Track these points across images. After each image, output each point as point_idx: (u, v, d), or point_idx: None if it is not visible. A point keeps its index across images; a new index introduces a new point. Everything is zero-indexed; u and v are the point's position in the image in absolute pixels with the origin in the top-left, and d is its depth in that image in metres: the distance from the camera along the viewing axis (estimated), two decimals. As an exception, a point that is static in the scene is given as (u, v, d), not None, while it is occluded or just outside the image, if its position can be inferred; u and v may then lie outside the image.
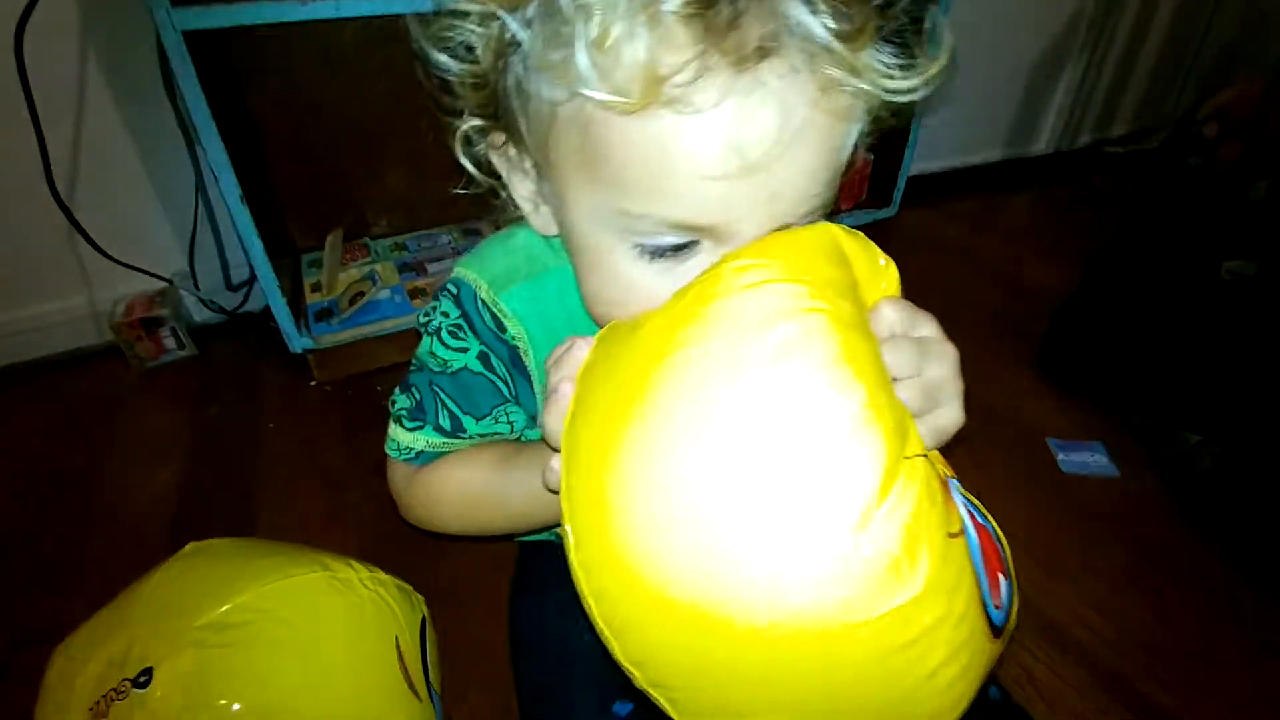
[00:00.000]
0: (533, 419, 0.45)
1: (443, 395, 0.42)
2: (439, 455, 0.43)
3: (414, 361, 0.44)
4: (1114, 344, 0.99)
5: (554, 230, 0.38)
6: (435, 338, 0.43)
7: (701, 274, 0.28)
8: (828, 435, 0.24)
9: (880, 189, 1.41)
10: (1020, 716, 0.52)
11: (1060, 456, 0.90)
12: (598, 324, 0.38)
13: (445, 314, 0.42)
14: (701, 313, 0.26)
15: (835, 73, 0.27)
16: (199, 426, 0.97)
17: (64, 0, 0.89)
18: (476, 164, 0.39)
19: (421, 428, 0.42)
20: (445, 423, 0.42)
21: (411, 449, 0.43)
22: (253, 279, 1.13)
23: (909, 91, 0.29)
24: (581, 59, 0.26)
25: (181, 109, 0.97)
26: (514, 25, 0.29)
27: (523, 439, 0.47)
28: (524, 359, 0.43)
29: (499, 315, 0.42)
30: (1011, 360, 1.09)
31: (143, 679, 0.40)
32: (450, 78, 0.35)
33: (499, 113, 0.35)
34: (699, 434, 0.24)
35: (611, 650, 0.28)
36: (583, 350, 0.31)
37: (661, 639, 0.26)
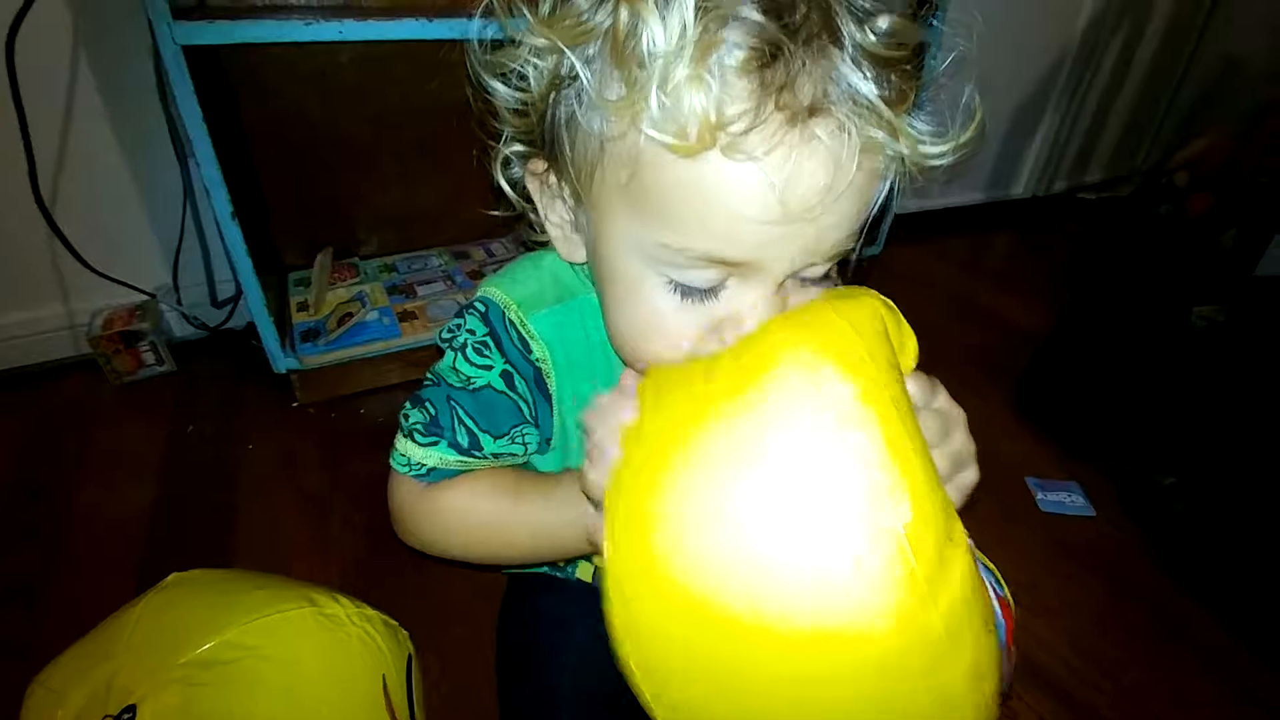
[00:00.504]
0: (546, 441, 0.45)
1: (461, 412, 0.42)
2: (450, 474, 0.42)
3: (429, 376, 0.44)
4: (1088, 387, 1.02)
5: (581, 258, 0.40)
6: (460, 353, 0.42)
7: (755, 339, 0.29)
8: (877, 536, 0.25)
9: (868, 227, 1.44)
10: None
11: (1039, 496, 0.91)
12: (621, 356, 0.39)
13: (471, 331, 0.43)
14: (759, 391, 0.27)
15: (878, 134, 0.29)
16: (175, 445, 0.95)
17: (58, 8, 0.89)
18: (511, 186, 0.41)
19: (437, 443, 0.41)
20: (463, 439, 0.41)
21: (423, 465, 0.42)
22: (238, 296, 1.12)
23: (940, 156, 0.31)
24: (651, 101, 0.27)
25: (175, 122, 0.96)
26: (576, 61, 0.30)
27: (529, 464, 0.46)
28: (547, 381, 0.43)
29: (526, 336, 0.42)
30: (992, 399, 1.11)
31: (126, 716, 0.38)
32: (500, 103, 0.36)
33: (543, 141, 0.37)
34: (746, 512, 0.26)
35: (638, 687, 0.28)
36: (627, 410, 0.31)
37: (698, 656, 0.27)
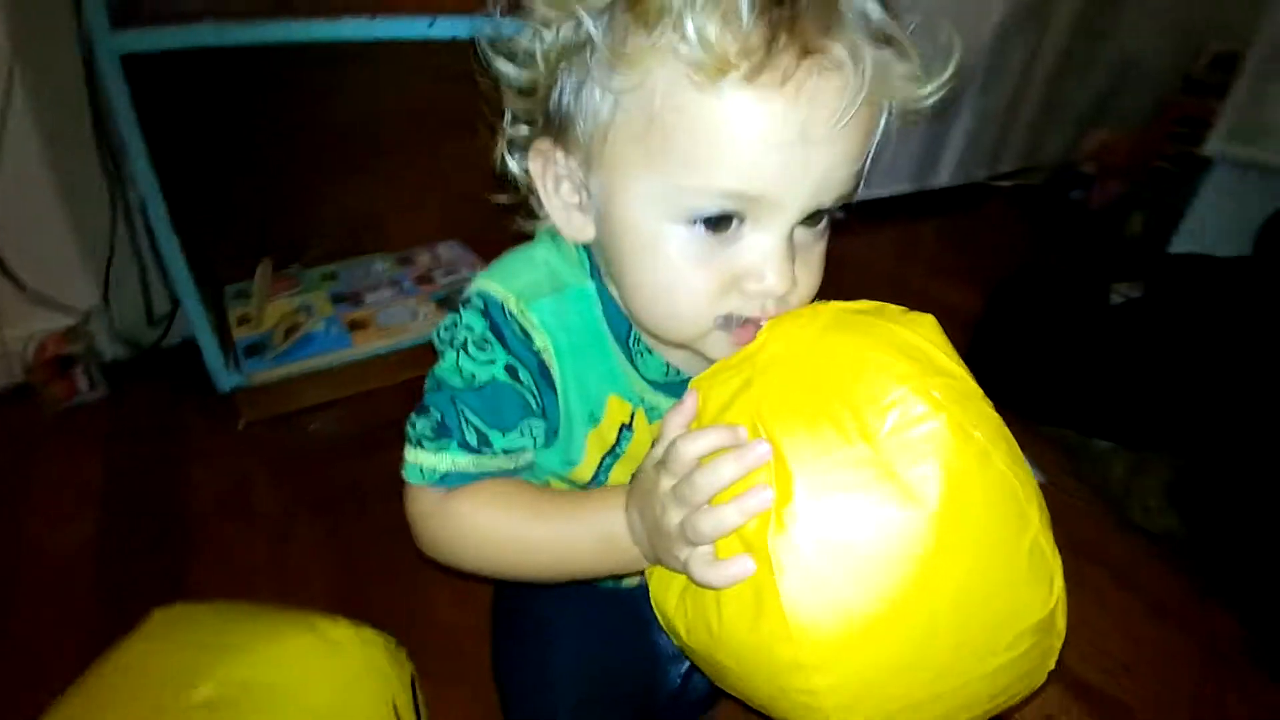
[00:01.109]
0: (554, 433, 0.44)
1: (468, 412, 0.40)
2: (466, 476, 0.41)
3: (430, 381, 0.42)
4: (1024, 362, 1.08)
5: (587, 236, 0.40)
6: (461, 352, 0.41)
7: (867, 402, 0.31)
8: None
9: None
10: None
11: (990, 467, 0.97)
12: (644, 324, 0.40)
13: (470, 327, 0.41)
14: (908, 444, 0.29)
15: (878, 68, 0.31)
16: (116, 474, 0.88)
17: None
18: (508, 177, 0.42)
19: (447, 446, 0.40)
20: (472, 438, 0.40)
21: (436, 470, 0.40)
22: (173, 311, 1.05)
23: (927, 96, 0.35)
24: (685, 31, 0.29)
25: (106, 134, 0.90)
26: (588, 21, 0.32)
27: (535, 466, 0.46)
28: (550, 370, 0.42)
29: (527, 327, 0.41)
30: (938, 378, 1.17)
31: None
32: (508, 85, 0.37)
33: (549, 118, 0.37)
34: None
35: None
36: (766, 498, 0.31)
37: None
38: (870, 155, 0.36)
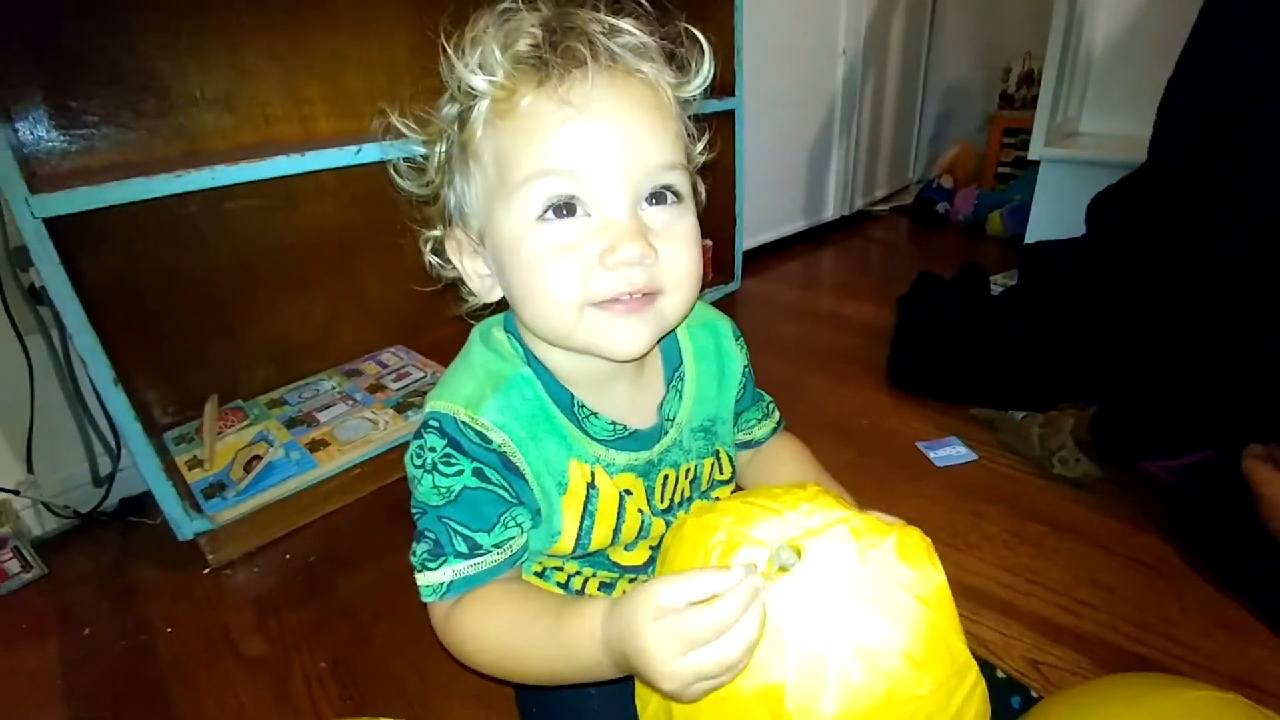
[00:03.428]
0: (536, 514, 0.48)
1: (453, 524, 0.44)
2: (470, 580, 0.45)
3: (416, 508, 0.47)
4: (938, 356, 1.22)
5: (498, 294, 0.48)
6: (433, 473, 0.45)
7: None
8: None
9: (723, 267, 1.61)
10: (987, 669, 0.61)
11: (931, 455, 1.07)
12: (544, 328, 0.45)
13: (433, 449, 0.45)
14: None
15: (643, 72, 0.43)
16: (74, 656, 0.82)
17: None
18: (442, 274, 0.51)
19: (445, 560, 0.44)
20: (463, 546, 0.44)
21: (442, 583, 0.45)
22: (113, 472, 1.01)
23: (689, 90, 0.45)
24: (478, 82, 0.41)
25: (16, 299, 0.88)
26: (451, 131, 0.45)
27: (529, 550, 0.49)
28: (514, 460, 0.46)
29: (482, 430, 0.45)
30: (868, 385, 1.28)
31: None
32: (414, 197, 0.49)
33: (449, 215, 0.48)
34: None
35: None
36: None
37: None
38: (685, 149, 0.46)
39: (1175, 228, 0.93)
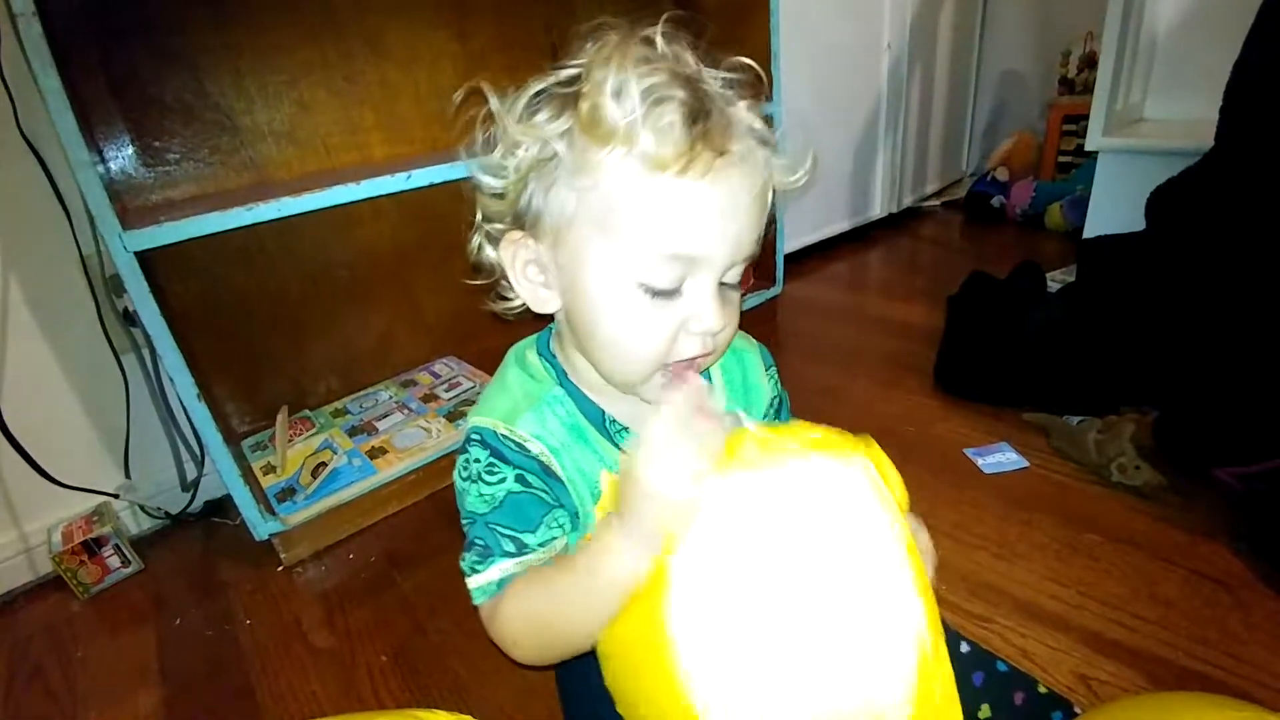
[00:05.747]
0: (575, 516, 0.51)
1: (499, 527, 0.48)
2: (515, 578, 0.48)
3: (465, 517, 0.50)
4: (990, 358, 1.18)
5: (552, 307, 0.50)
6: (479, 483, 0.49)
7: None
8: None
9: (764, 272, 1.61)
10: (1029, 683, 0.60)
11: (979, 462, 1.04)
12: (612, 372, 0.48)
13: (477, 460, 0.49)
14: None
15: (761, 161, 0.45)
16: (168, 643, 0.91)
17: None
18: (482, 265, 0.52)
19: (494, 560, 0.48)
20: (510, 547, 0.48)
21: (491, 582, 0.48)
22: (198, 477, 1.10)
23: (795, 181, 0.47)
24: (635, 144, 0.41)
25: (112, 321, 0.98)
26: (556, 145, 0.43)
27: (569, 547, 0.52)
28: (553, 467, 0.50)
29: (520, 441, 0.49)
30: (916, 390, 1.26)
31: None
32: (486, 191, 0.48)
33: (517, 216, 0.48)
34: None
35: None
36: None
37: None
38: (763, 226, 0.48)
39: (1244, 220, 0.88)
